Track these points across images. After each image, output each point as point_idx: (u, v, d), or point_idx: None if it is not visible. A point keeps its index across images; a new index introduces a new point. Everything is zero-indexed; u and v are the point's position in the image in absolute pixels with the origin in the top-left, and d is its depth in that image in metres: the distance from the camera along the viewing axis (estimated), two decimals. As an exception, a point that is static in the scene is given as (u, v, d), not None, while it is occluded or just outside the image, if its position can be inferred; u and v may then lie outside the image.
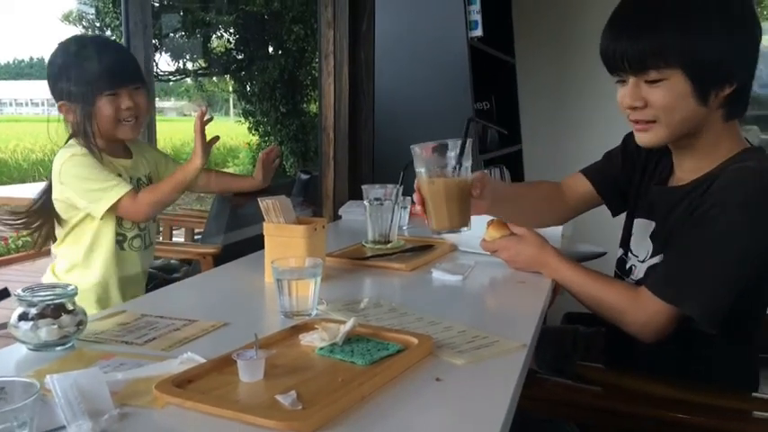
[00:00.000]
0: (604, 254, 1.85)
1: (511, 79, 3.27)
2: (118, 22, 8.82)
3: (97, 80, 1.69)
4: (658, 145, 1.30)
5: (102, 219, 1.70)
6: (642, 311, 1.28)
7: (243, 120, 9.87)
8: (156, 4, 9.14)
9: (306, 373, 0.90)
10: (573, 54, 3.36)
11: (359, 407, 0.81)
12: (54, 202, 1.74)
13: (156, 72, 10.15)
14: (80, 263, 1.76)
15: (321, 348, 0.97)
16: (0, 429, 0.58)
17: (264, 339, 0.98)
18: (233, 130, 15.26)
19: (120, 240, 1.78)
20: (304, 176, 4.48)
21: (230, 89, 11.46)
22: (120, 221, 1.77)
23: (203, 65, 10.33)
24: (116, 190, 1.68)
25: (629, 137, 1.47)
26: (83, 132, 1.71)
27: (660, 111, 1.22)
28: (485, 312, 1.32)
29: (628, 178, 1.56)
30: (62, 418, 0.74)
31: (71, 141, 1.76)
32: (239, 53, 9.63)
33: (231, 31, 9.45)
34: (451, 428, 0.78)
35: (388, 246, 1.72)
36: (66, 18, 10.33)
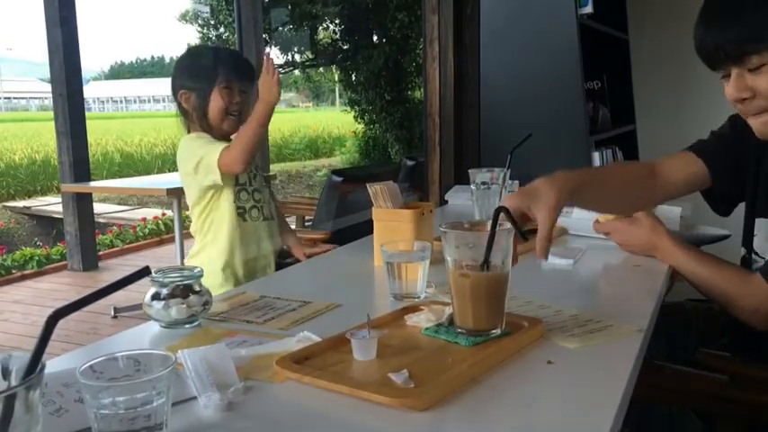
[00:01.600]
0: (728, 236, 1.74)
1: (624, 57, 3.14)
2: (231, 20, 9.20)
3: (216, 73, 1.90)
4: None
5: (222, 185, 1.85)
6: (754, 297, 1.24)
7: (349, 109, 10.05)
8: (267, 0, 9.46)
9: (416, 353, 0.92)
10: (690, 28, 3.16)
11: (470, 387, 0.82)
12: (183, 185, 1.94)
13: (267, 65, 10.50)
14: (209, 242, 1.92)
15: (427, 329, 0.99)
16: (140, 398, 0.64)
17: (375, 320, 1.01)
18: (339, 120, 15.58)
19: (240, 213, 1.92)
20: (410, 163, 4.52)
21: (336, 79, 11.69)
22: (238, 194, 1.91)
23: (310, 56, 10.59)
24: (217, 147, 1.83)
25: (737, 119, 1.33)
26: (199, 115, 1.90)
27: None
28: (597, 296, 1.28)
29: (743, 168, 1.42)
30: (193, 389, 0.80)
31: (190, 133, 1.94)
32: (345, 43, 9.80)
33: (337, 21, 9.63)
34: (566, 413, 0.77)
35: (497, 230, 1.71)
36: (183, 17, 10.91)
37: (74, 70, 5.05)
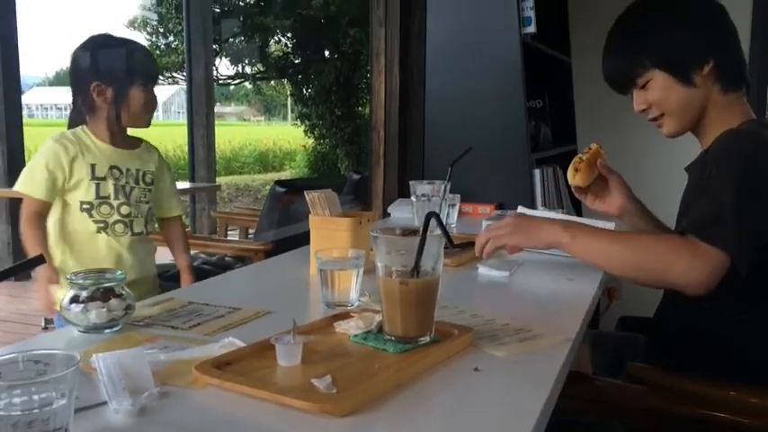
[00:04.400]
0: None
1: (566, 77, 3.21)
2: (180, 28, 9.08)
3: (136, 71, 1.85)
4: (677, 133, 1.42)
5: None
6: (683, 257, 1.18)
7: (299, 123, 10.01)
8: (217, 11, 9.37)
9: (343, 359, 0.90)
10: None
11: (394, 393, 0.80)
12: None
13: (216, 76, 10.41)
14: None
15: (355, 336, 0.97)
16: (38, 399, 0.60)
17: (303, 327, 0.99)
18: (290, 134, 15.48)
19: (101, 227, 1.80)
20: (355, 176, 4.53)
21: (288, 93, 11.64)
22: (98, 207, 1.80)
23: (261, 69, 10.52)
24: (25, 183, 1.78)
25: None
26: (114, 109, 1.82)
27: (660, 105, 1.38)
28: (530, 308, 1.29)
29: None
30: (104, 394, 0.76)
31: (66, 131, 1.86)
32: (296, 57, 9.78)
33: (289, 35, 9.61)
34: (488, 418, 0.76)
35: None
36: (132, 24, 10.72)
37: (12, 75, 4.90)
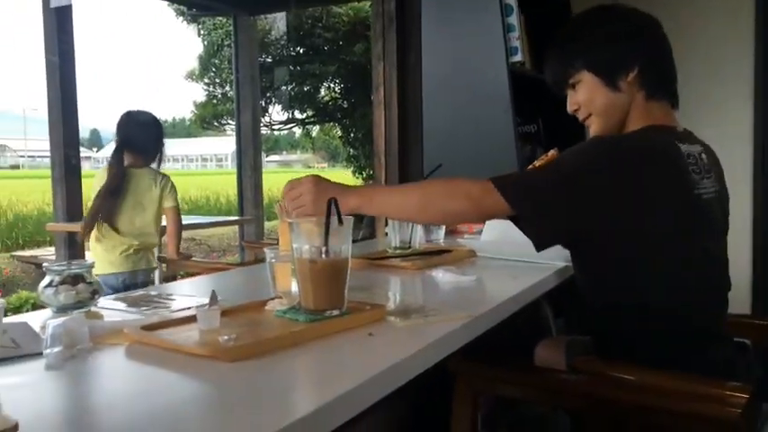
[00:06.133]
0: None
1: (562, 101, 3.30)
2: (233, 77, 9.58)
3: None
4: (603, 132, 1.49)
5: None
6: (465, 186, 1.36)
7: (347, 164, 10.31)
8: (269, 60, 9.87)
9: (257, 327, 1.05)
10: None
11: (287, 350, 0.94)
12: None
13: (269, 122, 10.89)
14: None
15: (278, 311, 1.11)
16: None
17: (237, 306, 1.15)
18: (348, 179, 15.93)
19: None
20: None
21: (338, 136, 12.02)
22: None
23: (310, 114, 10.95)
24: None
25: None
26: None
27: (587, 105, 1.48)
28: (461, 298, 1.38)
29: None
30: (44, 345, 0.93)
31: None
32: (344, 101, 10.14)
33: (337, 80, 10.00)
34: (352, 364, 0.89)
35: (408, 251, 1.85)
36: (190, 76, 11.40)
37: (69, 120, 5.32)
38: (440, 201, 1.40)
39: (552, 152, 1.73)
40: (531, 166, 1.73)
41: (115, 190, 2.93)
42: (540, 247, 1.34)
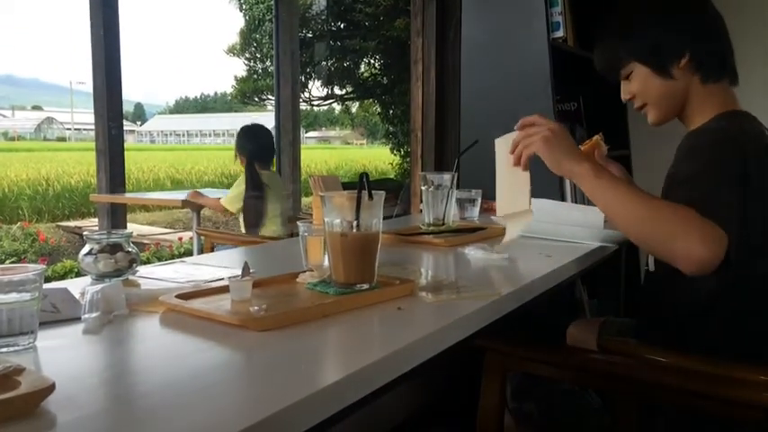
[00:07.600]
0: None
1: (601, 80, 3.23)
2: (273, 52, 9.62)
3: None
4: (661, 121, 1.48)
5: None
6: (696, 231, 1.16)
7: (386, 141, 10.30)
8: (310, 35, 9.86)
9: (288, 298, 1.06)
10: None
11: (318, 321, 0.95)
12: None
13: (309, 98, 10.92)
14: None
15: (308, 283, 1.13)
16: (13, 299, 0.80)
17: (268, 278, 1.16)
18: (386, 155, 15.96)
19: None
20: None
21: (376, 112, 11.99)
22: None
23: (350, 90, 10.93)
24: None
25: None
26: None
27: (641, 95, 1.46)
28: (493, 276, 1.38)
29: None
30: (82, 311, 0.96)
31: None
32: (383, 77, 10.10)
33: (377, 56, 9.95)
34: (377, 336, 0.90)
35: (442, 227, 1.84)
36: (231, 50, 11.46)
37: (113, 92, 5.41)
38: (672, 225, 1.20)
39: (597, 137, 1.69)
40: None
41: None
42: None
